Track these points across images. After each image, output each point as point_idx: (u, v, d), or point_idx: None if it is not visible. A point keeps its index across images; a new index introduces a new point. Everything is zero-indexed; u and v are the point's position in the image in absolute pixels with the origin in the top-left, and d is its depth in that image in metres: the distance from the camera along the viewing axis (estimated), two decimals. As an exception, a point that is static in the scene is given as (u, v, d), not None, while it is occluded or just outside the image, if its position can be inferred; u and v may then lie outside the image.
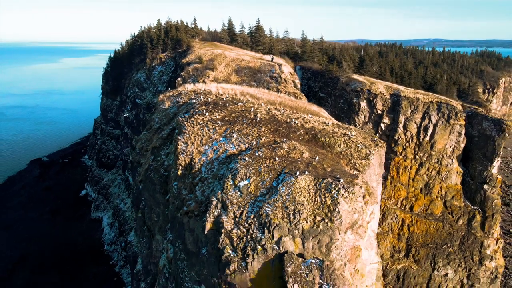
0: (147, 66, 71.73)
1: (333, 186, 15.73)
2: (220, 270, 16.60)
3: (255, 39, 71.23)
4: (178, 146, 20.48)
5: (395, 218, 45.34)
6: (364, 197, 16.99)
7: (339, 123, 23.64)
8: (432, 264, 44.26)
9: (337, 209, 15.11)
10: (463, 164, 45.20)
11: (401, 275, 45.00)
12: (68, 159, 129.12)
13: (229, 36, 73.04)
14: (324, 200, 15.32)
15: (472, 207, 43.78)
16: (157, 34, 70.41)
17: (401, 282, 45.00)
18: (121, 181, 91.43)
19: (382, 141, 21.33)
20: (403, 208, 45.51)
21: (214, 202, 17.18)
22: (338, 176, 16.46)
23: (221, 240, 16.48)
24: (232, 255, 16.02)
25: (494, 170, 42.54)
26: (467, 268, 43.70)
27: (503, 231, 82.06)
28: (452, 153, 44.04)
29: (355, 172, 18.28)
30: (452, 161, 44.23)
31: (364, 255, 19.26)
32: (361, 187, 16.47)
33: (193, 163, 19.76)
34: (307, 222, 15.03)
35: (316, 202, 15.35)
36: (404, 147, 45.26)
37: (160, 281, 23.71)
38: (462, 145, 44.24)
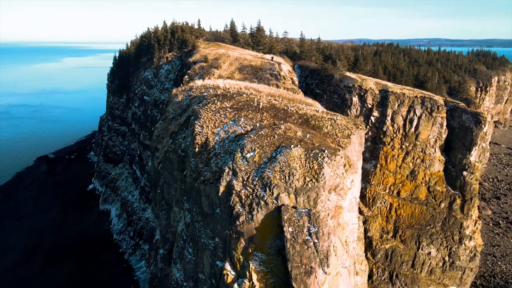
0: (154, 65, 76.23)
1: (319, 155, 20.35)
2: (231, 223, 21.16)
3: (256, 40, 75.71)
4: (195, 129, 25.09)
5: (384, 202, 49.94)
6: (344, 166, 21.57)
7: (328, 111, 28.25)
8: (417, 244, 48.87)
9: (322, 172, 19.72)
10: (445, 153, 49.80)
11: (389, 254, 49.62)
12: (74, 155, 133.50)
13: (232, 36, 77.53)
14: (312, 165, 19.93)
15: (453, 191, 48.38)
16: (164, 35, 74.91)
17: (389, 260, 49.63)
18: (129, 175, 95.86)
19: (362, 124, 25.91)
20: (391, 193, 50.12)
21: (226, 171, 21.77)
22: (324, 148, 21.07)
23: (232, 199, 21.06)
24: (241, 210, 20.60)
25: (473, 158, 47.10)
26: (448, 247, 48.31)
27: (493, 223, 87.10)
28: (435, 143, 48.68)
29: (339, 147, 22.86)
30: (435, 150, 48.86)
31: (346, 215, 23.87)
32: (341, 157, 21.07)
33: (208, 142, 24.37)
34: (299, 182, 19.66)
35: (306, 167, 19.96)
36: (392, 138, 49.88)
37: (178, 244, 28.24)
38: (444, 136, 48.86)
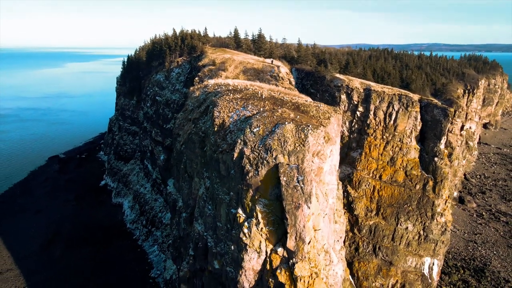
0: (166, 68, 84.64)
1: (305, 129, 28.71)
2: (243, 178, 29.40)
3: (258, 45, 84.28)
4: (214, 114, 33.48)
5: (368, 185, 58.15)
6: (324, 138, 29.91)
7: (314, 101, 36.64)
8: (396, 220, 56.99)
9: (307, 140, 28.06)
10: (420, 142, 58.14)
11: (373, 229, 57.72)
12: (84, 155, 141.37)
13: (235, 42, 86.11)
14: (300, 135, 28.28)
15: (426, 175, 56.62)
16: (175, 41, 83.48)
17: (373, 235, 57.70)
18: (140, 170, 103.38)
19: (339, 110, 34.26)
20: (374, 177, 58.36)
21: (239, 142, 30.09)
22: (309, 125, 29.44)
23: (243, 161, 29.31)
24: (250, 168, 28.86)
25: (442, 146, 55.40)
26: (423, 222, 56.41)
27: (477, 214, 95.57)
28: (411, 134, 57.05)
29: (321, 125, 31.21)
30: (411, 140, 57.21)
31: (327, 177, 32.13)
32: (322, 131, 29.42)
33: (224, 123, 32.74)
34: (291, 146, 27.98)
35: (295, 137, 28.31)
36: (374, 129, 58.23)
37: (199, 205, 36.35)
38: (419, 127, 57.22)
